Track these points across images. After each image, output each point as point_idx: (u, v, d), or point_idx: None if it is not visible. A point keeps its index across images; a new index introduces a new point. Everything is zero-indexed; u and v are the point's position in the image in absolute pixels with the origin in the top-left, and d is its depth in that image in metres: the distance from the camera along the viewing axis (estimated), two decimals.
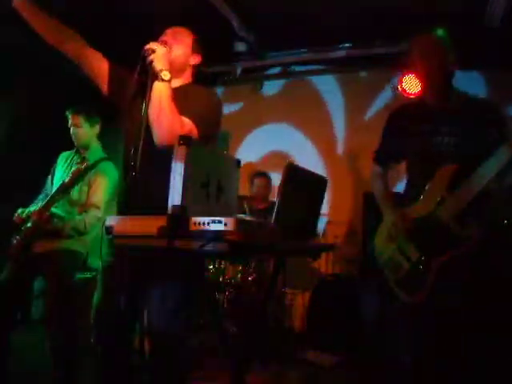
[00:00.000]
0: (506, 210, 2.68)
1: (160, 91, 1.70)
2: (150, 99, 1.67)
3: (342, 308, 3.73)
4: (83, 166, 2.77)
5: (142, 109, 1.67)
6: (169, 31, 1.92)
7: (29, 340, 3.03)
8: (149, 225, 1.30)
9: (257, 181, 4.21)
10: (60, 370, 2.56)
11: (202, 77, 2.00)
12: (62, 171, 2.96)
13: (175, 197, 1.29)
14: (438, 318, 1.86)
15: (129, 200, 1.68)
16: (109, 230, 1.42)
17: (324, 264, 4.33)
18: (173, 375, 1.82)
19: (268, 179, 4.24)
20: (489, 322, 2.29)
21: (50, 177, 3.03)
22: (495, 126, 1.86)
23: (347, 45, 4.26)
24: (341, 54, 4.33)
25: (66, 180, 2.74)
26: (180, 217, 1.26)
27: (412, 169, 2.05)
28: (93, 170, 2.86)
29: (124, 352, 1.81)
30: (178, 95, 1.74)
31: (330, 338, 3.65)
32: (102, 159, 2.94)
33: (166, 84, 1.71)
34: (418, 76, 2.05)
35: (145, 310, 1.82)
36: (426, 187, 1.91)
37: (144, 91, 1.71)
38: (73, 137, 2.95)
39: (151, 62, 1.70)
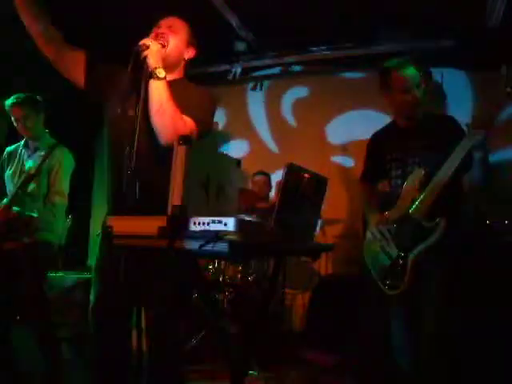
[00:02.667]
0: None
1: (159, 90, 1.68)
2: (144, 97, 1.64)
3: (342, 308, 3.72)
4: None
5: (135, 106, 1.66)
6: (163, 23, 1.90)
7: (28, 340, 3.03)
8: (148, 225, 1.30)
9: (255, 179, 4.25)
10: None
11: (203, 76, 2.00)
12: (12, 168, 2.87)
13: (175, 197, 1.28)
14: (419, 306, 2.12)
15: (126, 200, 1.68)
16: (108, 229, 1.42)
17: (324, 264, 4.33)
18: (171, 375, 1.82)
19: (267, 177, 4.27)
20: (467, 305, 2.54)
21: None
22: (454, 136, 2.07)
23: (347, 45, 4.26)
24: (340, 53, 4.34)
25: (23, 176, 2.65)
26: (180, 217, 1.26)
27: (392, 180, 2.31)
28: (49, 160, 2.76)
29: (122, 350, 1.81)
30: (173, 89, 1.72)
31: (330, 338, 3.64)
32: (54, 145, 2.82)
33: (162, 82, 1.69)
34: (391, 105, 2.33)
35: (143, 309, 1.81)
36: (401, 192, 2.20)
37: (137, 88, 1.69)
38: (20, 130, 2.82)
39: (145, 58, 1.69)
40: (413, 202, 2.12)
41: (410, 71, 2.20)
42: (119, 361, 1.80)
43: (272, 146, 4.96)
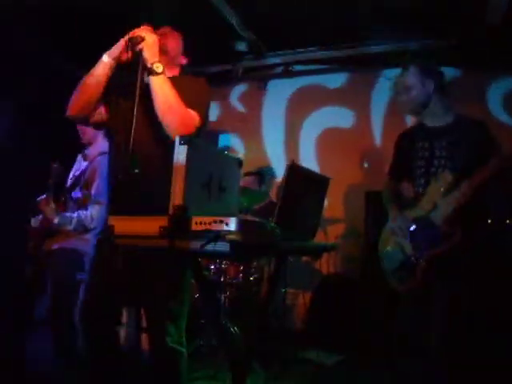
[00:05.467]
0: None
1: (162, 87, 1.67)
2: (140, 92, 1.62)
3: (343, 308, 3.72)
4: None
5: (131, 102, 1.64)
6: (160, 31, 1.86)
7: (31, 341, 3.03)
8: (150, 225, 1.30)
9: (245, 179, 4.16)
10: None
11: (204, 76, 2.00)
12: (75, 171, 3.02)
13: (176, 196, 1.28)
14: (426, 309, 2.13)
15: (127, 200, 1.68)
16: (109, 229, 1.42)
17: (325, 264, 4.32)
18: (173, 374, 1.82)
19: (257, 177, 4.21)
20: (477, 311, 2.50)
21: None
22: (483, 143, 2.14)
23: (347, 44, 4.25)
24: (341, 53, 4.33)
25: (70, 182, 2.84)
26: (181, 217, 1.25)
27: (415, 179, 2.32)
28: (89, 167, 2.90)
29: (112, 349, 1.81)
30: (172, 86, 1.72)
31: (331, 338, 3.65)
32: (98, 154, 2.93)
33: (162, 77, 1.67)
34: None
35: (144, 309, 1.81)
36: (425, 192, 2.21)
37: (134, 82, 1.66)
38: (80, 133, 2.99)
39: (141, 51, 1.65)
40: (435, 206, 2.13)
41: (408, 71, 2.30)
42: (110, 359, 1.80)
43: (377, 133, 4.50)
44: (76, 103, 1.81)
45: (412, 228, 2.19)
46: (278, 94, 4.88)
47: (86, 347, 1.78)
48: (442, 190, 2.12)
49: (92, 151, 2.96)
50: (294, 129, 4.81)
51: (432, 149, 2.24)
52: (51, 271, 2.77)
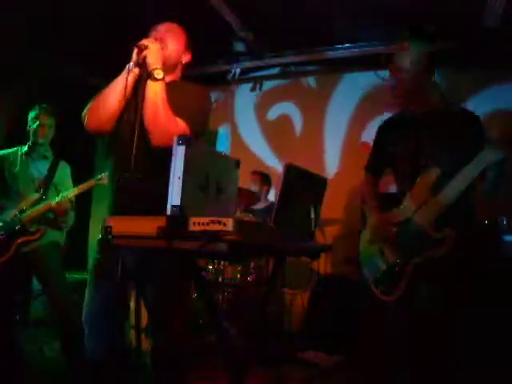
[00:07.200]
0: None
1: (155, 92, 1.68)
2: (143, 98, 1.65)
3: (342, 308, 3.73)
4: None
5: (134, 107, 1.67)
6: (162, 28, 1.89)
7: (27, 340, 3.03)
8: (148, 225, 1.30)
9: (253, 177, 4.23)
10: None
11: (203, 77, 2.00)
12: (26, 169, 2.92)
13: (174, 197, 1.29)
14: (411, 318, 1.97)
15: (126, 200, 1.68)
16: (107, 230, 1.42)
17: (323, 264, 4.33)
18: (172, 374, 1.82)
19: (259, 177, 4.24)
20: (465, 321, 2.27)
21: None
22: (474, 135, 1.94)
23: (347, 45, 4.26)
24: (340, 54, 4.34)
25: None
26: (179, 217, 1.26)
27: (399, 174, 2.16)
28: (58, 170, 2.96)
29: (115, 350, 1.80)
30: (169, 91, 1.73)
31: (330, 338, 3.65)
32: (58, 157, 3.02)
33: (160, 84, 1.69)
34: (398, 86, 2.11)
35: (143, 309, 1.82)
36: (409, 193, 2.00)
37: (137, 89, 1.70)
38: (38, 133, 2.92)
39: (144, 58, 1.69)
40: (420, 206, 1.94)
41: (407, 49, 2.06)
42: (114, 360, 1.80)
43: None
44: (98, 118, 1.77)
45: (395, 233, 2.01)
46: (354, 86, 4.70)
47: (95, 348, 1.78)
48: (428, 188, 1.92)
49: (48, 152, 3.00)
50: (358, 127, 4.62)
51: (418, 139, 2.01)
52: (48, 267, 2.77)
